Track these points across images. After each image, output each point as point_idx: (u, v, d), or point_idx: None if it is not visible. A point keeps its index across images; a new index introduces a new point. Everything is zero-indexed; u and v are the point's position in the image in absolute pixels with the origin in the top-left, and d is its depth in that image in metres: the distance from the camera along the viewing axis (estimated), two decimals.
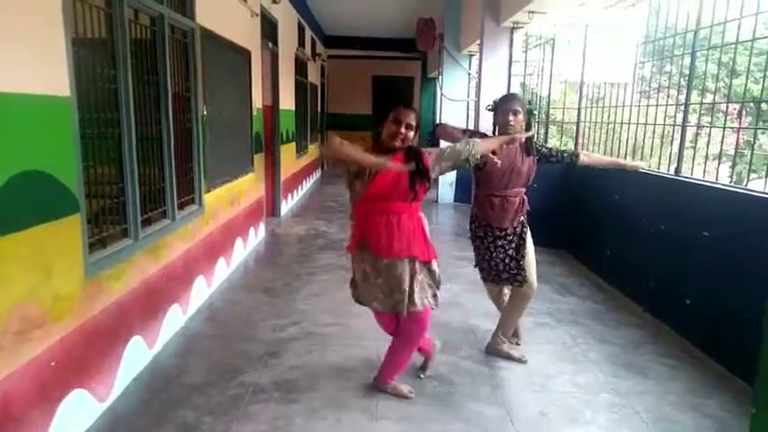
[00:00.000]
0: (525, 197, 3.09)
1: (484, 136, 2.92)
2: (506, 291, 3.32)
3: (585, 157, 3.16)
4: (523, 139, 2.88)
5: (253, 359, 3.15)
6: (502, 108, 2.98)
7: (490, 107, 3.09)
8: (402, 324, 2.69)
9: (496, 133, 3.02)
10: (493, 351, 3.27)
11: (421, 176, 2.48)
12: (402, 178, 2.44)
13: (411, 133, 2.49)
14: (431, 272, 2.63)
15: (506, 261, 3.09)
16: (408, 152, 2.51)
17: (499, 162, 2.74)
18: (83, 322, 2.42)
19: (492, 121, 3.09)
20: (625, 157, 4.79)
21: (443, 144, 2.80)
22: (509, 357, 3.22)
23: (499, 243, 3.07)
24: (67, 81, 2.26)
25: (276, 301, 4.15)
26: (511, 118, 2.93)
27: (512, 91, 6.21)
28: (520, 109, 2.94)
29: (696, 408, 2.74)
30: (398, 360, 2.78)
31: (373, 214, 2.51)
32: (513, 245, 3.08)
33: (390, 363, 2.78)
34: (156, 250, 3.24)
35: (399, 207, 2.50)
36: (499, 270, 3.11)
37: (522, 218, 3.08)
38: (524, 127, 2.98)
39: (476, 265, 3.26)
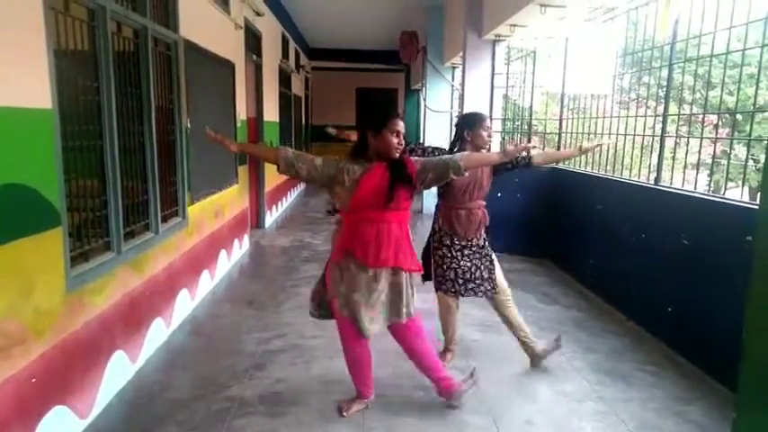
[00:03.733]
0: (485, 210, 3.16)
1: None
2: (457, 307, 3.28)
3: (539, 157, 3.14)
4: (524, 154, 2.91)
5: (238, 373, 3.12)
6: (480, 126, 3.05)
7: (458, 123, 3.16)
8: (397, 338, 2.70)
9: (466, 148, 3.00)
10: (539, 357, 3.23)
11: (403, 183, 2.46)
12: (385, 186, 2.43)
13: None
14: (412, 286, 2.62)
15: (473, 271, 3.11)
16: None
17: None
18: (64, 337, 2.38)
19: (456, 134, 3.14)
20: (605, 166, 4.88)
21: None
22: (550, 351, 3.22)
23: (466, 252, 3.12)
24: (49, 94, 2.24)
25: (261, 313, 4.12)
26: (487, 137, 3.06)
27: (494, 102, 6.32)
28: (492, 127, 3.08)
29: (679, 414, 2.77)
30: (428, 364, 2.74)
31: (363, 223, 2.47)
32: (479, 255, 3.12)
33: (428, 373, 2.77)
34: (139, 263, 3.21)
35: (389, 216, 2.47)
36: (466, 279, 3.11)
37: (483, 229, 3.15)
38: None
39: (428, 279, 3.20)
